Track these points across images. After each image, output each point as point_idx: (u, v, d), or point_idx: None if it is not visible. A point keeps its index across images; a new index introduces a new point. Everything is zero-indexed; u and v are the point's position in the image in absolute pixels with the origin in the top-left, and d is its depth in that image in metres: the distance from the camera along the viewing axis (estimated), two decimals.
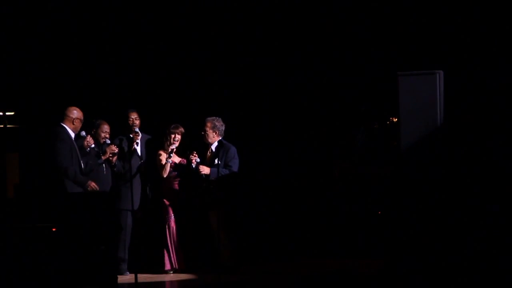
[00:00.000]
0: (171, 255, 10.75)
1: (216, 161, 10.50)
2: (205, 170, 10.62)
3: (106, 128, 10.63)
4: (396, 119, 9.75)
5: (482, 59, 11.49)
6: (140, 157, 10.90)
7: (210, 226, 10.74)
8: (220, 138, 10.78)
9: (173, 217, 10.80)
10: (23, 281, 8.88)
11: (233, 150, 10.70)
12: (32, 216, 9.58)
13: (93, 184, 10.11)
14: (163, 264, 10.74)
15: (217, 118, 10.80)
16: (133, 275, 9.71)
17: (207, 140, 10.75)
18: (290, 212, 12.66)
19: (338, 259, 11.48)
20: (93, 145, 10.37)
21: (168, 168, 10.78)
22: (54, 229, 9.08)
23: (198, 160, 10.65)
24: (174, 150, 10.75)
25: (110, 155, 10.45)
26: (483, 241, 9.17)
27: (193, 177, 10.73)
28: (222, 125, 10.78)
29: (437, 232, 9.09)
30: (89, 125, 10.63)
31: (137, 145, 10.86)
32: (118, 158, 10.63)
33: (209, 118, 10.77)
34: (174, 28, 12.81)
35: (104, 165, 10.46)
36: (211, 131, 10.73)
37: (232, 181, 10.63)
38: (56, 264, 8.94)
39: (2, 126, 13.77)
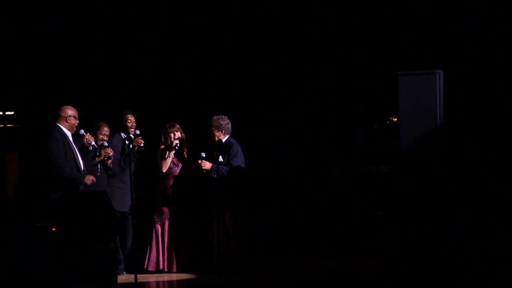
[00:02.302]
0: (160, 255, 10.73)
1: (220, 158, 10.51)
2: (206, 165, 10.61)
3: (105, 130, 10.62)
4: (396, 119, 9.74)
5: (482, 59, 11.48)
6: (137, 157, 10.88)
7: (213, 224, 10.73)
8: (228, 136, 10.77)
9: (168, 217, 10.78)
10: (23, 281, 8.87)
11: (235, 148, 10.68)
12: (32, 216, 9.59)
13: (91, 178, 10.11)
14: (150, 264, 10.72)
15: (222, 116, 10.78)
16: (130, 275, 9.69)
17: (215, 140, 10.75)
18: (290, 212, 12.65)
19: (338, 259, 11.47)
20: (93, 143, 10.37)
21: (169, 162, 10.78)
22: (54, 229, 9.08)
23: (204, 155, 10.61)
24: (178, 144, 10.76)
25: (105, 157, 10.44)
26: (483, 241, 9.18)
27: (198, 176, 10.73)
28: (227, 124, 10.77)
29: (437, 232, 9.09)
30: (90, 125, 10.63)
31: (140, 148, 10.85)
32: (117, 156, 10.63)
33: (214, 118, 10.77)
34: (174, 27, 12.82)
35: (99, 167, 10.44)
36: (216, 130, 10.73)
37: (233, 178, 10.59)
38: (56, 264, 8.94)
39: (2, 126, 13.77)
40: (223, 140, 10.69)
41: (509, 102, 10.57)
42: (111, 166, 10.54)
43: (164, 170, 10.79)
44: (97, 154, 10.45)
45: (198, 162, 10.58)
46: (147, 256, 10.75)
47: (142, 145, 10.71)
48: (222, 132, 10.72)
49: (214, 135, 10.73)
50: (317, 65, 12.79)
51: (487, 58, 11.46)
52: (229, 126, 10.78)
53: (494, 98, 10.81)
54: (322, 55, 12.74)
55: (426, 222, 9.10)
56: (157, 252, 10.74)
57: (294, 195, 12.77)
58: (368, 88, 12.58)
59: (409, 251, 9.13)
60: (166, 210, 10.80)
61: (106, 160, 10.45)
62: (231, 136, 10.83)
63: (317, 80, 12.87)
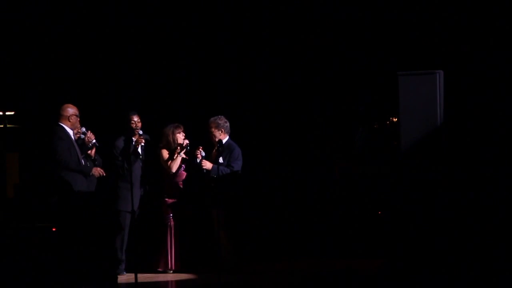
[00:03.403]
0: (169, 255, 10.74)
1: (220, 159, 10.55)
2: (207, 165, 10.65)
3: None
4: (396, 119, 9.75)
5: (482, 59, 11.49)
6: (141, 157, 10.87)
7: (213, 224, 10.74)
8: (227, 135, 10.80)
9: (172, 217, 10.79)
10: (23, 281, 8.88)
11: (237, 151, 10.74)
12: (32, 216, 9.60)
13: (99, 170, 10.15)
14: (159, 264, 10.73)
15: (220, 116, 10.82)
16: (130, 275, 9.69)
17: (214, 140, 10.75)
18: (290, 212, 12.66)
19: (338, 259, 11.47)
20: (94, 141, 10.39)
21: (178, 162, 10.78)
22: (54, 229, 9.09)
23: (204, 154, 10.66)
24: (188, 143, 10.77)
25: (90, 144, 10.44)
26: (483, 241, 9.18)
27: (196, 173, 10.74)
28: (225, 123, 10.81)
29: (437, 232, 9.09)
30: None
31: (142, 148, 10.84)
32: (122, 158, 10.64)
33: (212, 119, 10.79)
34: (174, 27, 12.83)
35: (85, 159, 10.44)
36: (216, 130, 10.76)
37: (233, 180, 10.62)
38: (56, 264, 8.95)
39: (2, 126, 13.77)
40: (224, 141, 10.69)
41: (509, 102, 10.58)
42: (95, 157, 10.52)
43: (174, 170, 10.80)
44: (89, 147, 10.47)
45: (198, 162, 10.61)
46: (151, 256, 10.77)
47: (143, 144, 10.73)
48: (221, 131, 10.75)
49: (213, 136, 10.75)
50: (317, 65, 12.80)
51: (487, 58, 11.47)
52: (227, 125, 10.83)
53: (494, 98, 10.82)
54: (322, 55, 12.74)
55: (426, 222, 9.11)
56: (161, 253, 10.74)
57: (294, 195, 12.77)
58: (368, 88, 12.59)
59: (410, 251, 9.14)
60: (170, 210, 10.81)
61: (89, 151, 10.44)
62: (230, 137, 10.84)
63: (317, 80, 12.87)
